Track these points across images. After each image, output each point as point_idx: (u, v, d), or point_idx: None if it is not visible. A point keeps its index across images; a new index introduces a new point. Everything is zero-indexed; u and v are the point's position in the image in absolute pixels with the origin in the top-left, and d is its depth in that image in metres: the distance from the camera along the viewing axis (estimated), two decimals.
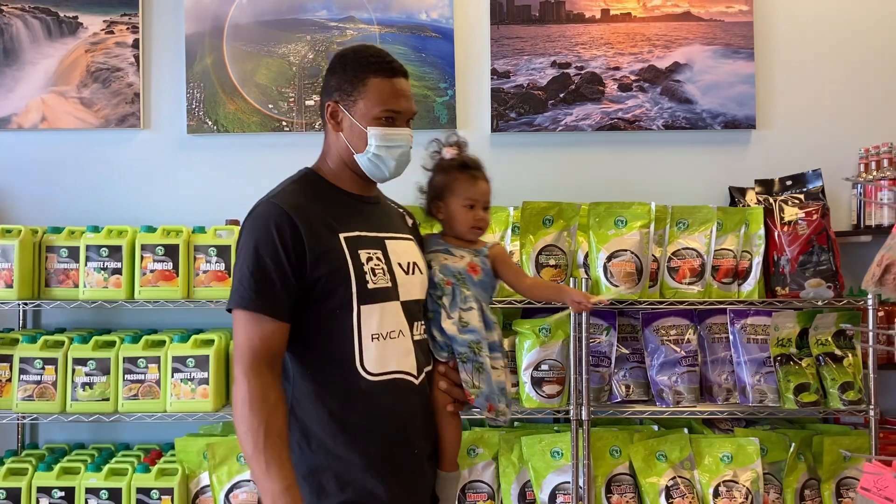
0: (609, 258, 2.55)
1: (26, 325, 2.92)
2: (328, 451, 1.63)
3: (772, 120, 2.98)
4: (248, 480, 2.54)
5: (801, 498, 2.59)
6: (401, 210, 1.91)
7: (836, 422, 2.80)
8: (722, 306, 2.61)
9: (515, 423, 2.74)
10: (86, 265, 2.58)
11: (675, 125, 2.94)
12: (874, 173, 2.79)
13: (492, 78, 2.97)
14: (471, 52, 2.99)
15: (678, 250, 2.63)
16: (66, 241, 2.63)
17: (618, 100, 2.94)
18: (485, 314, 1.82)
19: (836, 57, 3.00)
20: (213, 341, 2.57)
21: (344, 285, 1.61)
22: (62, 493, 2.52)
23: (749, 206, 2.74)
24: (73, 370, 2.56)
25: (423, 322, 1.77)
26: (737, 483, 2.54)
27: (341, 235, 1.64)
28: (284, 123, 2.94)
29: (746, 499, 2.52)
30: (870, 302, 2.51)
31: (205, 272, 2.61)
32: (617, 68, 2.96)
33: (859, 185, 2.84)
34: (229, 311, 1.62)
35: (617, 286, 2.52)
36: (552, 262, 2.56)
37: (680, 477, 2.55)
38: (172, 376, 2.54)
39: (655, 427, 2.69)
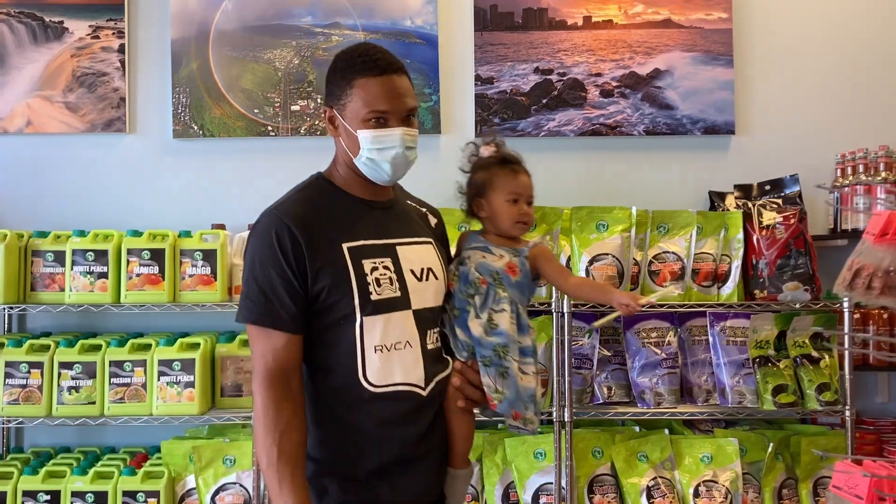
0: (591, 262, 2.60)
1: (11, 330, 2.92)
2: (330, 453, 1.63)
3: (751, 126, 3.04)
4: (234, 483, 2.57)
5: (779, 497, 2.64)
6: (423, 210, 1.86)
7: (814, 422, 2.85)
8: (701, 309, 2.66)
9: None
10: (72, 269, 2.60)
11: (655, 131, 2.99)
12: (850, 178, 2.84)
13: (476, 84, 3.00)
14: (455, 58, 3.02)
15: (659, 254, 2.67)
16: (52, 245, 2.65)
17: (599, 105, 2.99)
18: (520, 317, 1.76)
19: (814, 64, 3.05)
20: (198, 345, 2.59)
21: (346, 297, 1.58)
22: (48, 497, 2.54)
23: (728, 210, 2.79)
24: (59, 374, 2.58)
25: (437, 330, 1.72)
26: (716, 483, 2.59)
27: (344, 246, 1.61)
28: (270, 128, 2.96)
29: (726, 498, 2.57)
30: (846, 305, 2.56)
31: (191, 276, 2.63)
32: (599, 74, 3.00)
33: (835, 190, 2.89)
34: (241, 323, 1.62)
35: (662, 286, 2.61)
36: None
37: (661, 477, 2.59)
38: (158, 380, 2.56)
39: (637, 428, 2.74)
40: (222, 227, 2.78)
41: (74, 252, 2.60)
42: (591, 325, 2.67)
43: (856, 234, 2.81)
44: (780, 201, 2.75)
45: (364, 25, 2.98)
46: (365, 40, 1.82)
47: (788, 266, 2.64)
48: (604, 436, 2.66)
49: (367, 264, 1.62)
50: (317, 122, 2.96)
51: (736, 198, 2.82)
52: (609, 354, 2.71)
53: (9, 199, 2.96)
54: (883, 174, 2.79)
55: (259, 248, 1.60)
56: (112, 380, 2.57)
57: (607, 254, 2.59)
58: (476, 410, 1.77)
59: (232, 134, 2.95)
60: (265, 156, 2.98)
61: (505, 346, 1.71)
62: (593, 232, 2.63)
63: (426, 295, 1.69)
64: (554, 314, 2.55)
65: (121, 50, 2.95)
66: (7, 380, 2.57)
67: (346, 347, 1.60)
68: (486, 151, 1.87)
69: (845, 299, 2.53)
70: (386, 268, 1.64)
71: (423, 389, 1.65)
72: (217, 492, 2.57)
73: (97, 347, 2.61)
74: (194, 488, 2.59)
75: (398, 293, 1.64)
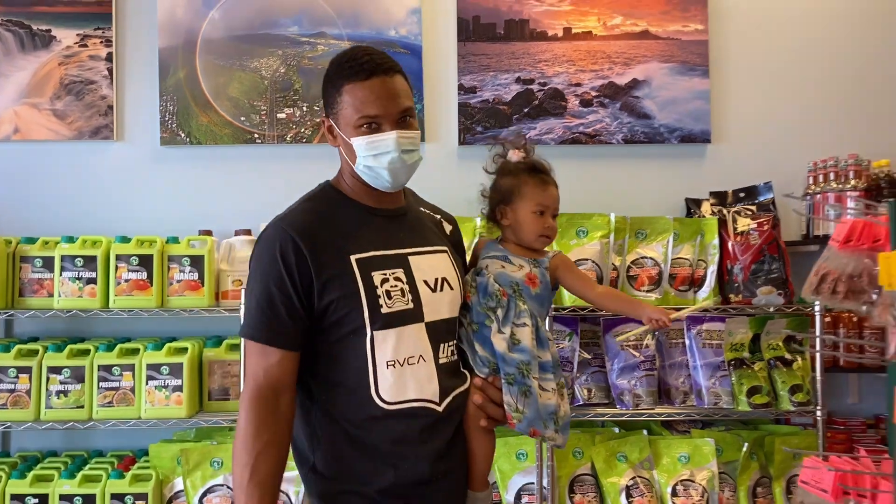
0: None
1: None
2: (345, 475, 1.56)
3: (726, 134, 3.12)
4: (222, 485, 2.60)
5: (753, 495, 2.71)
6: (437, 217, 1.79)
7: (787, 422, 2.93)
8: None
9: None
10: (61, 275, 2.63)
11: (633, 139, 3.06)
12: (821, 186, 2.93)
13: (459, 93, 3.07)
14: (438, 67, 3.09)
15: (637, 259, 2.75)
16: (41, 251, 2.68)
17: (579, 115, 3.06)
18: (539, 331, 1.68)
19: (787, 75, 3.15)
20: (186, 349, 2.63)
21: (355, 311, 1.52)
22: (36, 501, 2.56)
23: (704, 217, 2.87)
24: (48, 378, 2.60)
25: (452, 343, 1.65)
26: (693, 482, 2.66)
27: (353, 258, 1.55)
28: (256, 135, 3.01)
29: (702, 497, 2.64)
30: (817, 308, 2.64)
31: (178, 282, 2.67)
32: (578, 84, 3.07)
33: (808, 197, 2.98)
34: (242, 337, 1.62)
35: None
36: None
37: (639, 477, 2.66)
38: (147, 383, 2.60)
39: (616, 429, 2.80)
40: (209, 233, 2.82)
41: (63, 258, 2.63)
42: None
43: (827, 241, 2.89)
44: (754, 208, 2.83)
45: (349, 35, 3.04)
46: (357, 45, 1.75)
47: (762, 271, 2.72)
48: (584, 437, 2.72)
49: (377, 276, 1.55)
50: (302, 130, 3.01)
51: (711, 205, 2.91)
52: (589, 357, 2.78)
53: None
54: (852, 182, 2.88)
55: (261, 260, 1.56)
56: (101, 384, 2.60)
57: (587, 259, 2.66)
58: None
59: (219, 141, 2.99)
60: (251, 163, 3.02)
61: (528, 364, 1.63)
62: (573, 238, 2.70)
63: (440, 306, 1.62)
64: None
65: (108, 58, 2.99)
66: None
67: (357, 363, 1.54)
68: (514, 156, 1.78)
69: (817, 303, 2.62)
70: (397, 279, 1.57)
71: (439, 405, 1.57)
72: (205, 494, 2.60)
73: (85, 352, 2.64)
74: (182, 491, 2.62)
75: (410, 305, 1.57)
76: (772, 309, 2.73)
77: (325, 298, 1.52)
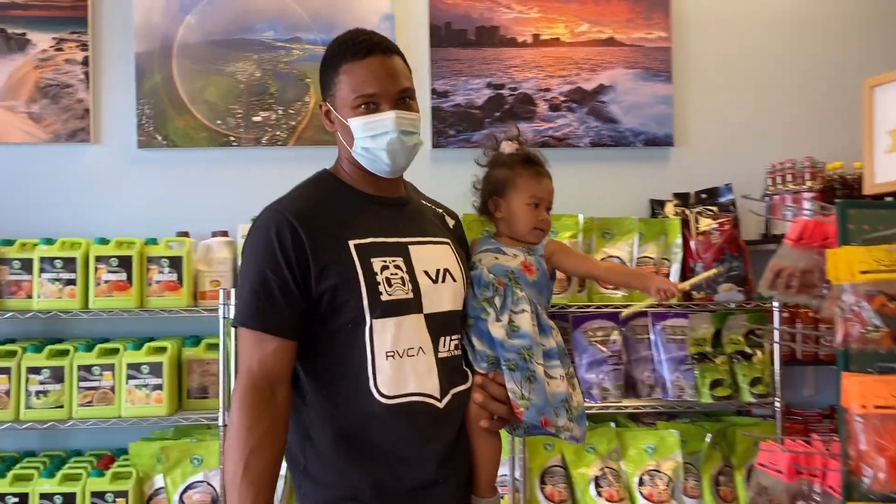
0: None
1: None
2: (341, 479, 1.49)
3: (688, 138, 3.24)
4: (202, 481, 2.65)
5: (716, 484, 2.83)
6: (439, 211, 1.74)
7: (748, 414, 3.05)
8: (644, 308, 2.84)
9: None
10: (40, 276, 2.65)
11: (600, 143, 3.17)
12: (779, 187, 3.06)
13: (432, 97, 3.15)
14: (412, 72, 3.15)
15: (604, 258, 2.85)
16: (19, 253, 2.69)
17: (548, 119, 3.16)
18: (539, 318, 1.64)
19: (746, 80, 3.28)
20: (166, 348, 2.67)
21: (353, 298, 1.46)
22: (16, 500, 2.57)
23: (668, 217, 2.98)
24: (27, 379, 2.63)
25: (454, 336, 1.58)
26: (659, 472, 2.76)
27: (351, 243, 1.49)
28: (232, 138, 3.06)
29: (668, 486, 2.74)
30: (775, 304, 2.77)
31: (157, 282, 2.71)
32: (547, 89, 3.17)
33: (767, 198, 3.10)
34: (234, 327, 1.53)
35: None
36: None
37: (608, 468, 2.75)
38: (127, 382, 2.63)
39: None
40: (186, 234, 2.86)
41: (42, 260, 2.65)
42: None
43: None
44: (715, 209, 2.95)
45: (324, 40, 3.10)
46: (356, 28, 1.64)
47: (725, 271, 2.84)
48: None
49: (377, 263, 1.49)
50: (278, 133, 3.07)
51: (675, 205, 3.02)
52: None
53: None
54: (808, 183, 3.00)
55: (256, 244, 1.49)
56: (80, 383, 2.63)
57: None
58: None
59: (195, 144, 3.04)
60: (228, 165, 3.07)
61: (529, 349, 1.57)
62: None
63: (441, 298, 1.55)
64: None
65: (84, 62, 3.02)
66: None
67: (354, 354, 1.47)
68: (507, 148, 1.76)
69: (775, 300, 2.74)
70: (397, 267, 1.51)
71: (440, 401, 1.51)
72: (185, 490, 2.64)
73: (65, 352, 2.67)
74: (162, 487, 2.66)
75: (410, 294, 1.50)
76: (733, 305, 2.85)
77: (323, 284, 1.46)
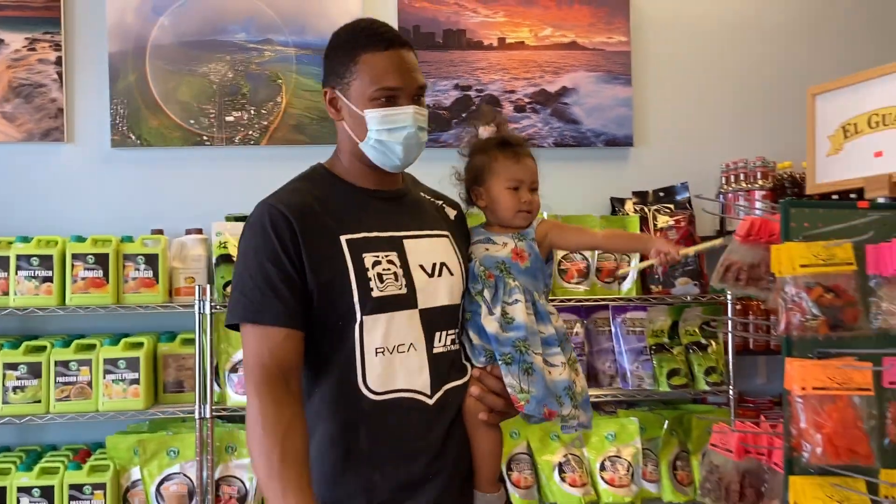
0: None
1: None
2: (328, 482, 1.47)
3: (647, 138, 3.39)
4: (178, 473, 2.71)
5: (673, 468, 2.96)
6: (439, 202, 1.71)
7: (703, 402, 3.20)
8: (604, 303, 2.97)
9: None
10: (16, 274, 2.69)
11: (563, 143, 3.29)
12: (732, 185, 3.21)
13: None
14: None
15: (567, 254, 2.96)
16: None
17: (513, 120, 3.27)
18: (536, 305, 1.59)
19: (701, 84, 3.43)
20: (142, 344, 2.73)
21: (344, 294, 1.44)
22: None
23: (627, 214, 3.12)
24: (4, 374, 2.66)
25: (451, 331, 1.55)
26: (620, 458, 2.89)
27: (343, 238, 1.48)
28: (205, 138, 3.12)
29: (628, 471, 2.87)
30: (729, 297, 2.92)
31: (134, 279, 2.76)
32: (512, 91, 3.29)
33: (721, 196, 3.26)
34: (230, 326, 1.47)
35: None
36: None
37: (571, 454, 2.87)
38: (104, 377, 2.68)
39: None
40: (161, 232, 2.91)
41: (19, 257, 2.69)
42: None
43: None
44: (672, 206, 3.10)
45: (295, 42, 3.17)
46: (366, 17, 1.65)
47: (680, 264, 2.98)
48: (520, 418, 2.92)
49: (369, 258, 1.47)
50: (250, 133, 3.14)
51: (634, 203, 3.16)
52: None
53: None
54: (760, 182, 3.16)
55: (251, 238, 1.47)
56: (58, 379, 2.67)
57: None
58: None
59: (169, 143, 3.09)
60: (201, 164, 3.13)
61: (525, 340, 1.54)
62: None
63: (437, 292, 1.53)
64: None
65: (58, 62, 3.05)
66: None
67: (345, 350, 1.46)
68: (485, 132, 1.70)
69: (728, 293, 2.89)
70: (390, 262, 1.49)
71: (430, 398, 1.48)
72: (162, 482, 2.70)
73: (42, 348, 2.71)
74: (139, 480, 2.71)
75: (403, 290, 1.49)
76: (688, 298, 2.99)
77: (314, 280, 1.44)
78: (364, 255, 1.49)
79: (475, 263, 1.62)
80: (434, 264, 1.55)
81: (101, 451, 2.80)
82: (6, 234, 2.84)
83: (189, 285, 2.82)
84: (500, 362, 1.53)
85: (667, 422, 2.96)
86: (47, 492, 2.62)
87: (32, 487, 2.62)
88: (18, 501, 2.61)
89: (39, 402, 2.68)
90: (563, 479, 2.81)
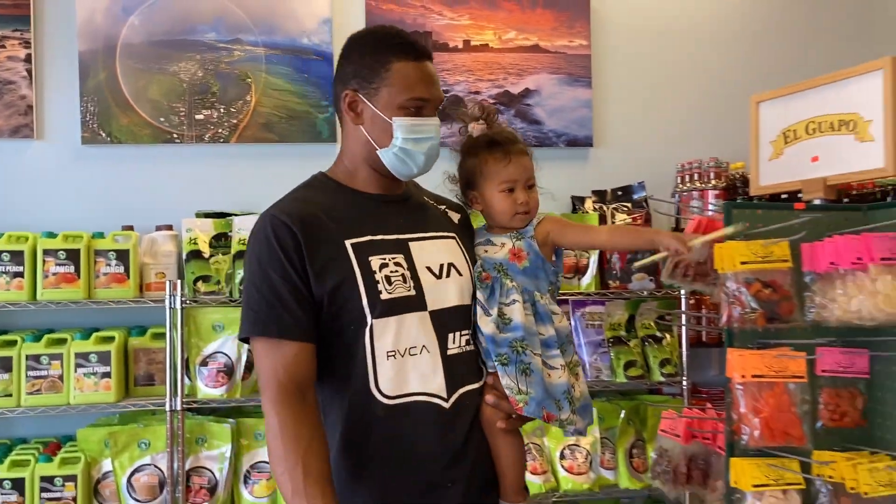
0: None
1: None
2: (344, 488, 1.45)
3: (606, 139, 3.51)
4: (149, 464, 2.77)
5: (630, 456, 3.09)
6: (441, 207, 1.69)
7: (659, 392, 3.32)
8: (565, 297, 3.08)
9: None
10: None
11: (526, 143, 3.39)
12: (687, 185, 3.35)
13: None
14: None
15: None
16: None
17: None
18: (536, 305, 1.56)
19: (659, 86, 3.56)
20: (113, 338, 2.78)
21: (353, 298, 1.43)
22: None
23: (587, 212, 3.23)
24: None
25: (465, 332, 1.53)
26: (579, 446, 3.00)
27: (348, 242, 1.47)
28: (175, 135, 3.16)
29: (586, 459, 2.98)
30: (683, 292, 3.05)
31: (105, 274, 2.81)
32: (477, 92, 3.39)
33: (676, 195, 3.39)
34: (243, 340, 1.47)
35: None
36: None
37: (532, 443, 2.97)
38: (76, 371, 2.72)
39: None
40: (131, 228, 2.96)
41: None
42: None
43: None
44: (629, 205, 3.22)
45: (265, 42, 3.23)
46: (387, 25, 1.63)
47: (636, 260, 3.10)
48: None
49: (375, 261, 1.46)
50: (220, 131, 3.19)
51: (593, 202, 3.28)
52: None
53: None
54: (713, 182, 3.29)
55: (256, 251, 1.46)
56: (28, 373, 2.71)
57: None
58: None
59: (139, 141, 3.14)
60: (171, 161, 3.17)
61: (522, 340, 1.50)
62: None
63: (446, 294, 1.52)
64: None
65: (27, 59, 3.07)
66: None
67: (356, 355, 1.44)
68: (475, 129, 1.66)
69: (682, 288, 3.02)
70: (398, 264, 1.48)
71: (446, 401, 1.46)
72: (133, 473, 2.75)
73: (12, 343, 2.75)
74: (110, 471, 2.75)
75: (412, 292, 1.47)
76: (645, 293, 3.12)
77: (322, 287, 1.44)
78: (370, 258, 1.47)
79: (477, 266, 1.60)
80: (441, 265, 1.54)
81: (72, 444, 2.84)
82: None
83: (160, 280, 2.87)
84: (495, 363, 1.50)
85: (623, 412, 3.08)
86: (18, 484, 2.66)
87: (3, 480, 2.65)
88: None
89: (10, 395, 2.71)
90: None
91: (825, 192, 1.78)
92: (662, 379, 3.09)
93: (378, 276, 1.46)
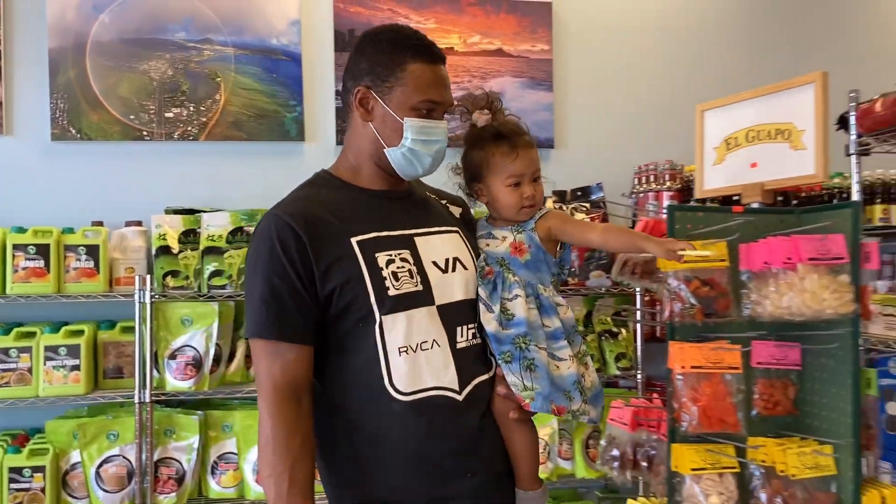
0: None
1: None
2: (364, 483, 1.48)
3: (566, 141, 3.63)
4: (118, 455, 2.82)
5: (586, 447, 3.21)
6: (443, 201, 1.70)
7: (615, 385, 3.46)
8: None
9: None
10: None
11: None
12: (643, 186, 3.48)
13: (336, 98, 3.39)
14: (317, 74, 3.40)
15: None
16: None
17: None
18: (539, 298, 1.56)
19: (617, 91, 3.69)
20: (83, 331, 2.83)
21: (360, 295, 1.44)
22: None
23: None
24: None
25: (471, 325, 1.54)
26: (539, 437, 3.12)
27: (353, 240, 1.47)
28: (145, 133, 3.21)
29: (545, 450, 3.10)
30: (637, 289, 3.18)
31: (75, 269, 2.85)
32: None
33: (632, 196, 3.52)
34: (247, 338, 1.51)
35: None
36: None
37: None
38: (45, 364, 2.77)
39: None
40: (101, 223, 3.01)
41: None
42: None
43: None
44: (588, 205, 3.34)
45: (234, 42, 3.30)
46: (401, 24, 1.63)
47: (594, 258, 3.23)
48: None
49: (382, 257, 1.47)
50: (189, 129, 3.24)
51: (553, 201, 3.38)
52: None
53: None
54: (668, 183, 3.42)
55: (259, 252, 1.46)
56: None
57: None
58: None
59: (109, 138, 3.18)
60: (141, 158, 3.23)
61: (525, 336, 1.51)
62: None
63: (452, 288, 1.53)
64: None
65: None
66: None
67: (367, 353, 1.45)
68: (480, 119, 1.65)
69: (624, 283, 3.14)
70: (404, 260, 1.49)
71: (459, 393, 1.47)
72: (101, 464, 2.81)
73: None
74: (79, 462, 2.80)
75: (419, 287, 1.48)
76: (602, 290, 3.24)
77: (328, 286, 1.44)
78: (377, 254, 1.48)
79: (480, 261, 1.60)
80: (447, 260, 1.55)
81: (40, 436, 2.88)
82: None
83: (129, 275, 2.92)
84: (500, 362, 1.51)
85: None
86: None
87: None
88: None
89: None
90: None
91: (762, 196, 1.90)
92: (618, 372, 3.21)
93: (385, 273, 1.46)
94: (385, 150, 1.53)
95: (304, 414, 1.44)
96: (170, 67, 3.24)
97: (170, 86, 3.24)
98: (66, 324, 2.91)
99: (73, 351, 2.80)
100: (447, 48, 3.49)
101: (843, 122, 2.56)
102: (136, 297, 2.79)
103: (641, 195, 3.47)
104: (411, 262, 1.50)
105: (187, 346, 2.87)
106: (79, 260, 2.86)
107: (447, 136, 1.54)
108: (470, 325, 1.54)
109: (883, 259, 3.45)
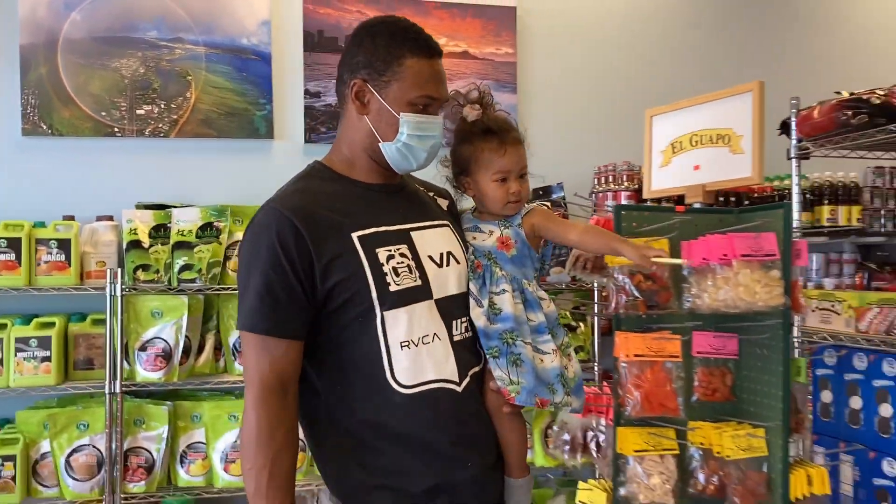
0: None
1: None
2: (367, 473, 1.49)
3: (531, 141, 3.71)
4: (88, 444, 2.88)
5: (545, 436, 3.32)
6: (431, 194, 1.72)
7: None
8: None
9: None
10: None
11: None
12: (602, 186, 3.61)
13: (305, 97, 3.48)
14: (286, 74, 3.48)
15: None
16: None
17: None
18: (524, 293, 1.60)
19: (579, 94, 3.82)
20: (54, 323, 2.89)
21: (362, 291, 1.43)
22: None
23: None
24: None
25: (464, 319, 1.56)
26: None
27: (354, 235, 1.47)
28: (116, 129, 3.27)
29: None
30: (595, 284, 3.30)
31: (46, 262, 2.91)
32: None
33: (592, 195, 3.65)
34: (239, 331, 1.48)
35: None
36: None
37: None
38: (16, 355, 2.83)
39: None
40: (72, 218, 3.06)
41: None
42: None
43: None
44: (549, 204, 3.45)
45: (205, 41, 3.36)
46: (400, 18, 1.63)
47: (554, 254, 3.29)
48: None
49: (382, 253, 1.47)
50: (160, 126, 3.31)
51: None
52: None
53: None
54: (626, 183, 3.56)
55: (256, 245, 1.44)
56: None
57: None
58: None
59: (80, 134, 3.23)
60: (112, 154, 3.28)
61: (512, 331, 1.55)
62: None
63: (447, 282, 1.55)
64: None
65: None
66: None
67: (368, 347, 1.45)
68: (470, 114, 1.69)
69: (594, 280, 3.27)
70: (403, 255, 1.49)
71: (458, 385, 1.50)
72: (71, 454, 2.87)
73: None
74: (49, 452, 2.86)
75: (419, 282, 1.49)
76: (562, 285, 3.36)
77: (329, 281, 1.44)
78: (377, 250, 1.48)
79: (469, 253, 1.64)
80: (442, 254, 1.57)
81: (10, 426, 2.94)
82: None
83: (100, 269, 2.99)
84: (487, 356, 1.55)
85: None
86: None
87: None
88: None
89: None
90: None
91: (704, 196, 2.02)
92: None
93: (386, 269, 1.47)
94: (380, 145, 1.53)
95: (289, 407, 1.44)
96: (141, 65, 3.30)
97: (141, 83, 3.30)
98: (37, 316, 2.97)
99: (44, 342, 2.85)
100: None
101: (784, 128, 2.72)
102: (108, 290, 2.86)
103: (600, 194, 3.60)
104: (409, 256, 1.51)
105: (157, 338, 2.93)
106: (50, 254, 2.91)
107: (442, 133, 1.57)
108: (463, 319, 1.57)
109: (830, 257, 3.63)
